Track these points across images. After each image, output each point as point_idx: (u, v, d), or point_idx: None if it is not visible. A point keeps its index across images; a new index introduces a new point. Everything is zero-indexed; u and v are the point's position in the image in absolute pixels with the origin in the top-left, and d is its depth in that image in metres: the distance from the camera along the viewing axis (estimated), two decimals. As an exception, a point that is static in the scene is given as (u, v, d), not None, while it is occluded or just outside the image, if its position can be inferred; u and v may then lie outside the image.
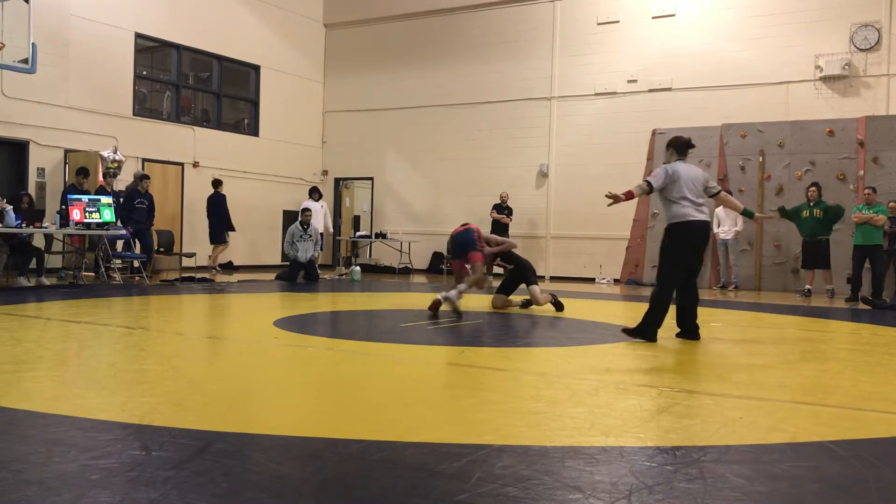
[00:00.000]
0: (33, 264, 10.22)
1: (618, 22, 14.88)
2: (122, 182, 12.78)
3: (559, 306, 8.30)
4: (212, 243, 14.04)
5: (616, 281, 14.59)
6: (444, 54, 16.69)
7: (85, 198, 10.56)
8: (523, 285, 8.62)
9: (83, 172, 11.23)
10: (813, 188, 11.35)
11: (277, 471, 2.50)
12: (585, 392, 3.91)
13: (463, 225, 8.36)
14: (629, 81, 14.72)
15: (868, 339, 6.76)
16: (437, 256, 16.60)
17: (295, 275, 12.69)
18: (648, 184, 6.04)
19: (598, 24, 15.05)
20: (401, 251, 16.69)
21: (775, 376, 4.61)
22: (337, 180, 18.23)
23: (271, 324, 6.60)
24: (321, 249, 14.58)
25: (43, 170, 12.75)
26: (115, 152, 12.62)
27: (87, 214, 10.37)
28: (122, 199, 11.81)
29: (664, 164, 6.17)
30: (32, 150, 12.57)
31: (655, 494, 2.34)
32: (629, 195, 6.13)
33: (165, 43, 14.87)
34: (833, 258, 11.81)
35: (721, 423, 3.32)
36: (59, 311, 7.20)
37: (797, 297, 11.45)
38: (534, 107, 15.68)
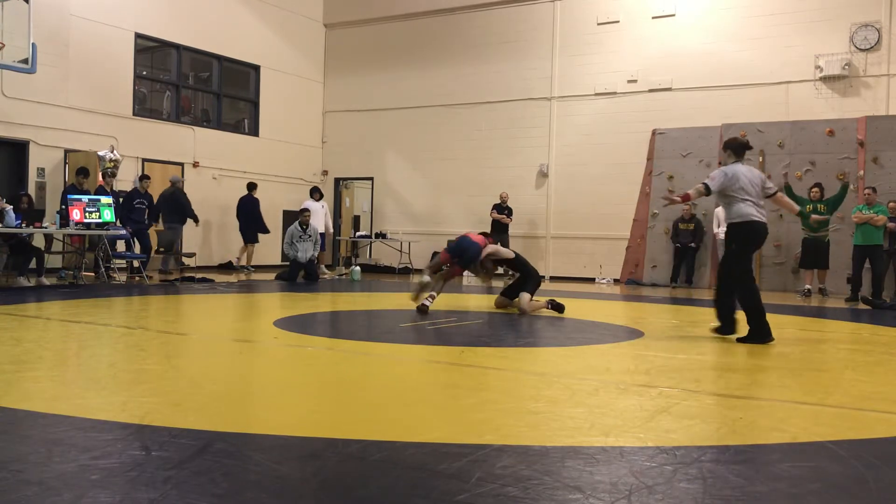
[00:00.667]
0: (33, 264, 10.21)
1: (618, 22, 14.88)
2: (123, 182, 12.76)
3: (560, 308, 8.20)
4: (245, 243, 14.77)
5: (616, 281, 14.59)
6: (444, 54, 16.69)
7: (85, 198, 10.56)
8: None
9: (83, 172, 11.24)
10: (815, 189, 11.34)
11: (277, 471, 2.50)
12: (585, 392, 3.91)
13: (481, 233, 8.64)
14: (629, 81, 14.72)
15: (868, 339, 6.76)
16: (436, 256, 16.57)
17: (295, 275, 12.70)
18: (706, 186, 6.01)
19: (598, 24, 15.05)
20: (401, 251, 16.69)
21: (775, 376, 4.61)
22: (337, 180, 18.23)
23: (271, 324, 6.60)
24: (322, 249, 14.59)
25: (43, 170, 12.75)
26: (111, 151, 12.62)
27: (87, 214, 10.37)
28: (121, 199, 11.82)
29: (721, 165, 6.24)
30: (32, 150, 12.57)
31: (655, 494, 2.34)
32: (686, 197, 6.21)
33: (165, 43, 14.87)
34: (833, 258, 11.82)
35: (721, 423, 3.32)
36: (59, 311, 7.20)
37: (797, 297, 11.45)
38: (534, 107, 15.68)
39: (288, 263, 13.24)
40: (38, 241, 10.95)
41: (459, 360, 4.97)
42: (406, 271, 16.23)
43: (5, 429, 2.99)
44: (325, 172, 18.20)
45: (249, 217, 14.59)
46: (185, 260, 13.63)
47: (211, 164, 15.44)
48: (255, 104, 16.71)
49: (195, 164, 15.18)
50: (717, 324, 6.24)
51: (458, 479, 2.43)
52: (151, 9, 14.42)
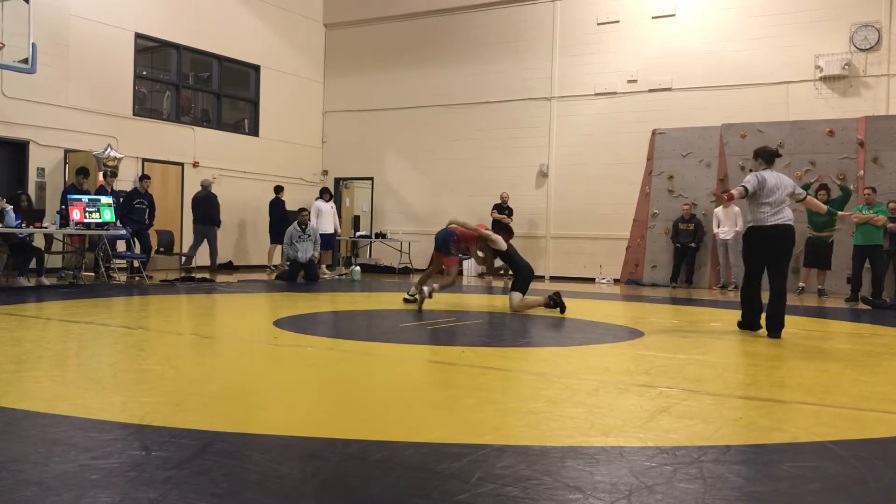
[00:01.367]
0: (33, 264, 10.21)
1: (618, 22, 14.88)
2: (123, 182, 12.74)
3: (561, 306, 8.19)
4: (272, 243, 15.24)
5: (616, 281, 14.59)
6: (444, 54, 16.69)
7: (85, 198, 10.56)
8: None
9: (83, 172, 11.24)
10: (822, 192, 11.33)
11: (277, 471, 2.50)
12: (585, 392, 3.91)
13: (449, 224, 8.84)
14: (629, 81, 14.72)
15: (868, 339, 6.76)
16: (437, 256, 16.59)
17: (295, 275, 12.69)
18: (745, 188, 6.42)
19: (598, 24, 15.05)
20: (401, 251, 16.69)
21: (775, 376, 4.61)
22: (337, 180, 18.22)
23: (271, 324, 6.60)
24: (329, 249, 14.62)
25: (43, 170, 12.75)
26: (111, 150, 12.60)
27: (87, 214, 10.37)
28: (121, 199, 11.81)
29: (752, 171, 6.61)
30: (32, 150, 12.57)
31: (655, 494, 2.34)
32: (731, 197, 6.62)
33: (165, 43, 14.87)
34: (833, 258, 11.82)
35: (721, 423, 3.32)
36: (59, 311, 7.20)
37: (795, 297, 11.46)
38: (534, 107, 15.69)
39: (288, 263, 13.24)
40: (38, 241, 10.95)
41: (459, 360, 4.97)
42: (406, 271, 16.23)
43: (5, 429, 2.99)
44: (325, 172, 18.19)
45: (276, 218, 15.12)
46: (186, 260, 13.64)
47: (211, 164, 15.44)
48: (255, 104, 16.71)
49: (195, 164, 15.18)
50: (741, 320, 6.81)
51: (458, 479, 2.43)
52: (151, 9, 14.41)
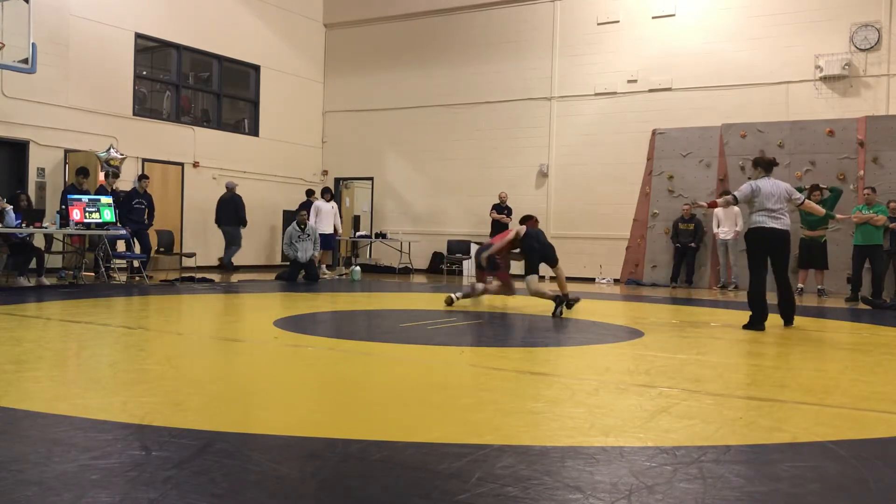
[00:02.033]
0: (33, 264, 10.21)
1: (618, 22, 14.88)
2: (123, 182, 12.73)
3: (569, 304, 8.29)
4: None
5: (616, 281, 14.59)
6: (444, 54, 16.69)
7: (85, 198, 10.56)
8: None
9: (83, 172, 11.23)
10: (817, 192, 11.32)
11: (277, 471, 2.50)
12: (585, 392, 3.91)
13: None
14: (629, 81, 14.72)
15: (868, 339, 6.76)
16: (436, 256, 16.60)
17: (295, 275, 12.70)
18: (734, 196, 6.97)
19: (598, 24, 15.05)
20: (401, 251, 16.69)
21: (775, 376, 4.61)
22: (337, 180, 18.22)
23: (271, 324, 6.60)
24: (330, 248, 14.61)
25: (43, 170, 12.75)
26: (113, 149, 12.59)
27: (87, 214, 10.37)
28: (121, 199, 11.79)
29: (749, 179, 7.10)
30: (32, 150, 12.57)
31: (655, 494, 2.34)
32: (713, 205, 7.22)
33: (165, 43, 14.87)
34: (832, 258, 11.82)
35: (721, 423, 3.32)
36: (59, 311, 7.20)
37: (795, 297, 11.44)
38: (534, 107, 15.69)
39: (287, 263, 13.24)
40: (38, 241, 10.95)
41: (459, 360, 4.97)
42: (406, 271, 16.23)
43: (5, 429, 2.99)
44: (325, 172, 18.19)
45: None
46: (185, 260, 13.65)
47: (211, 164, 15.44)
48: (255, 104, 16.71)
49: (195, 165, 15.18)
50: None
51: (458, 479, 2.43)
52: (151, 9, 14.41)
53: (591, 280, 14.79)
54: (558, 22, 15.48)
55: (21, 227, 9.79)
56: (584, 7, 15.19)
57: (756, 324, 6.98)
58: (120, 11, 13.82)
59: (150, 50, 14.96)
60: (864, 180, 12.31)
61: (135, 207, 11.95)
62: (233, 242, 14.44)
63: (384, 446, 2.81)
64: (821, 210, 7.94)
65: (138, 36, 14.22)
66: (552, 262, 8.75)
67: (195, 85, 16.04)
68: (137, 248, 12.04)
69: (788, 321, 7.15)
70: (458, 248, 16.24)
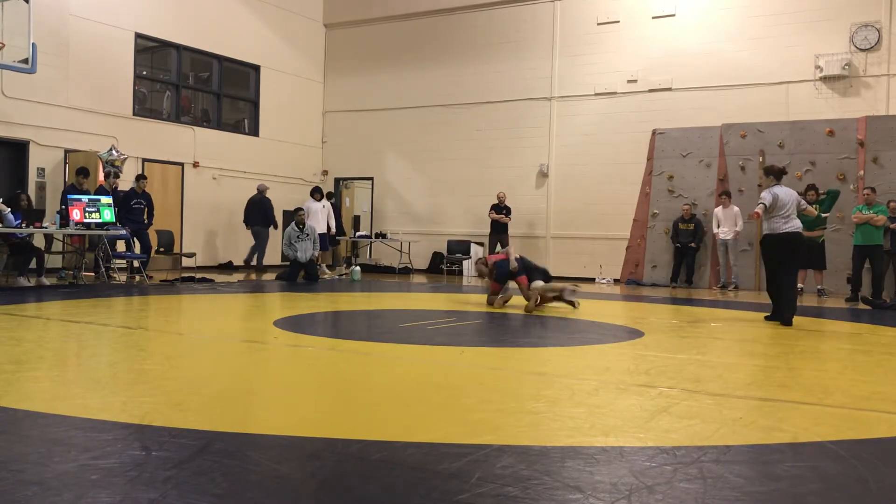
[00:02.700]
0: (33, 264, 10.21)
1: (618, 22, 14.88)
2: (125, 183, 12.73)
3: (572, 303, 8.55)
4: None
5: (616, 281, 14.59)
6: (444, 54, 16.69)
7: (85, 198, 10.56)
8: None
9: (83, 172, 11.23)
10: (811, 192, 11.33)
11: (277, 471, 2.50)
12: (585, 392, 3.91)
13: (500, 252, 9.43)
14: (629, 81, 14.72)
15: (868, 339, 6.76)
16: (436, 256, 16.60)
17: (295, 275, 12.69)
18: (764, 205, 7.52)
19: (598, 24, 15.05)
20: (401, 251, 16.69)
21: (775, 376, 4.61)
22: (337, 180, 18.22)
23: (271, 324, 6.60)
24: (325, 249, 14.59)
25: (43, 170, 12.75)
26: (114, 150, 12.59)
27: (87, 214, 10.37)
28: (119, 199, 11.78)
29: (766, 188, 7.67)
30: (32, 150, 12.57)
31: (655, 494, 2.34)
32: (758, 215, 7.61)
33: (165, 43, 14.87)
34: (832, 258, 11.82)
35: (721, 423, 3.32)
36: (59, 311, 7.20)
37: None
38: (534, 107, 15.68)
39: (287, 263, 13.24)
40: (38, 241, 10.94)
41: (459, 360, 4.97)
42: (406, 271, 16.23)
43: (5, 429, 2.99)
44: (325, 172, 18.19)
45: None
46: (186, 260, 13.64)
47: (211, 164, 15.45)
48: (255, 104, 16.71)
49: (195, 165, 15.18)
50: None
51: (458, 479, 2.43)
52: (151, 9, 14.41)
53: (591, 280, 14.78)
54: (558, 22, 15.48)
55: (21, 227, 9.79)
56: (584, 7, 15.19)
57: (780, 315, 7.49)
58: (120, 11, 13.82)
59: (150, 50, 14.96)
60: (864, 180, 12.31)
61: (133, 207, 11.94)
62: (259, 243, 14.61)
63: (384, 446, 2.81)
64: (813, 211, 8.36)
65: (138, 36, 14.22)
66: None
67: (195, 85, 16.03)
68: (137, 248, 12.04)
69: (788, 321, 7.38)
70: (458, 248, 16.24)
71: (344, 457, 2.68)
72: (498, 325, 7.21)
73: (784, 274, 7.52)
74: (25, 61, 10.70)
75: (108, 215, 10.63)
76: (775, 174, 7.70)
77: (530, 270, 8.81)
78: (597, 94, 15.05)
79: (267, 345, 5.46)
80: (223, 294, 9.84)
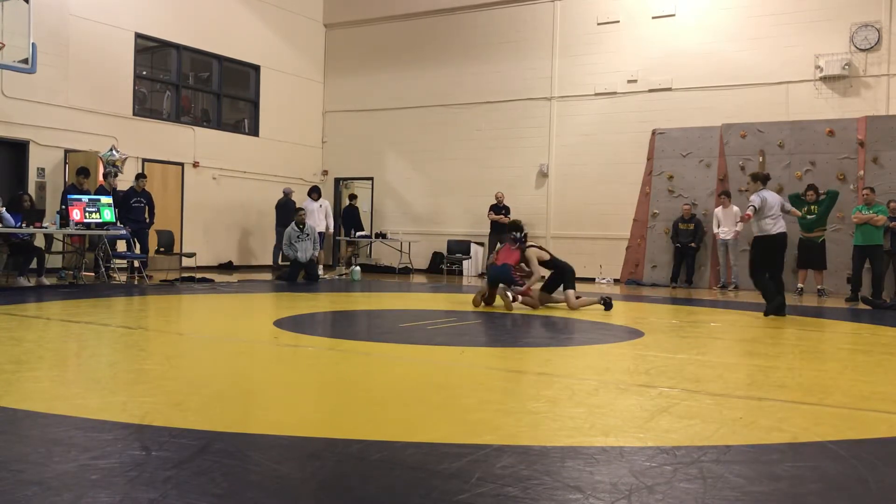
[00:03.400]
0: (33, 264, 10.21)
1: (618, 22, 14.87)
2: (125, 182, 12.73)
3: (608, 305, 8.60)
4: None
5: (616, 281, 14.59)
6: (444, 54, 16.69)
7: (85, 198, 10.56)
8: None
9: (83, 172, 11.23)
10: (810, 192, 11.34)
11: (277, 471, 2.50)
12: (585, 392, 3.91)
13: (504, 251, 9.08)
14: (629, 81, 14.72)
15: (868, 339, 6.76)
16: (436, 256, 16.60)
17: (295, 275, 12.69)
18: (754, 207, 8.07)
19: (598, 24, 15.05)
20: (401, 251, 16.69)
21: (775, 376, 4.61)
22: (337, 180, 18.22)
23: (271, 324, 6.60)
24: (321, 248, 14.57)
25: (43, 170, 12.75)
26: (114, 150, 12.59)
27: (87, 214, 10.37)
28: (119, 198, 11.77)
29: (753, 192, 8.27)
30: (32, 150, 12.57)
31: (655, 494, 2.34)
32: (749, 217, 8.14)
33: (165, 43, 14.87)
34: (832, 258, 11.82)
35: (721, 423, 3.32)
36: (59, 311, 7.20)
37: (794, 297, 11.46)
38: (534, 107, 15.68)
39: (287, 263, 13.23)
40: (39, 241, 10.94)
41: (459, 360, 4.97)
42: (406, 271, 16.23)
43: (5, 429, 2.99)
44: (325, 172, 18.19)
45: (350, 223, 16.59)
46: (186, 260, 13.64)
47: (211, 164, 15.44)
48: (255, 104, 16.71)
49: (195, 165, 15.18)
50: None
51: (458, 479, 2.43)
52: (151, 9, 14.41)
53: (591, 280, 14.78)
54: (558, 22, 15.47)
55: (21, 227, 9.79)
56: (584, 7, 15.19)
57: (775, 308, 8.11)
58: (120, 11, 13.82)
59: (150, 50, 14.96)
60: (863, 180, 12.31)
61: (133, 206, 11.93)
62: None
63: (384, 446, 2.81)
64: (797, 212, 9.08)
65: (138, 36, 14.22)
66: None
67: (195, 85, 16.03)
68: (138, 249, 12.03)
69: (784, 308, 8.17)
70: (458, 248, 16.24)
71: (344, 457, 2.68)
72: (498, 325, 7.21)
73: (777, 270, 8.32)
74: (25, 61, 10.70)
75: (109, 215, 10.63)
76: (762, 179, 8.37)
77: (563, 272, 8.81)
78: (597, 94, 15.04)
79: (267, 345, 5.46)
80: (223, 294, 9.84)
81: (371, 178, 17.71)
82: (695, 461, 2.71)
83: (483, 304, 8.76)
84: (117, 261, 11.80)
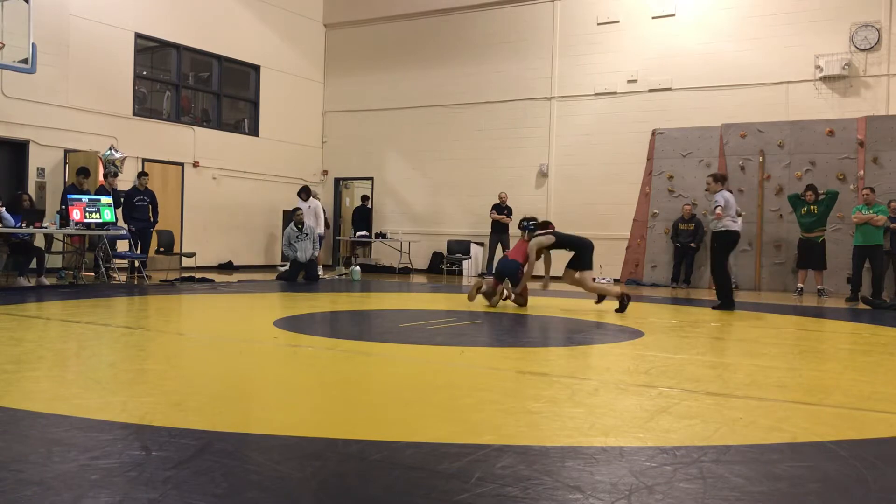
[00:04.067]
0: (33, 264, 10.21)
1: (618, 22, 14.88)
2: (124, 182, 12.72)
3: (623, 306, 8.42)
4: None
5: (616, 281, 14.58)
6: (444, 54, 16.69)
7: (85, 198, 10.56)
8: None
9: (83, 172, 11.23)
10: (810, 192, 11.34)
11: (277, 471, 2.50)
12: (585, 392, 3.91)
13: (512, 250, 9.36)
14: (629, 81, 14.72)
15: (868, 339, 6.76)
16: (436, 256, 16.60)
17: (295, 275, 12.69)
18: (721, 206, 8.71)
19: (598, 24, 15.05)
20: (401, 251, 16.69)
21: (775, 376, 4.61)
22: (337, 180, 18.23)
23: (271, 324, 6.60)
24: (320, 248, 14.56)
25: (43, 170, 12.75)
26: (114, 150, 12.58)
27: (87, 214, 10.37)
28: (121, 199, 11.78)
29: (718, 192, 8.92)
30: (32, 150, 12.57)
31: (655, 494, 2.34)
32: (720, 216, 8.74)
33: (165, 43, 14.87)
34: (832, 258, 11.82)
35: (721, 423, 3.32)
36: (59, 311, 7.20)
37: (794, 297, 11.47)
38: (534, 107, 15.68)
39: (287, 263, 13.23)
40: (39, 241, 10.94)
41: (459, 360, 4.97)
42: (406, 271, 16.23)
43: (5, 429, 2.99)
44: (325, 172, 18.20)
45: (361, 224, 17.05)
46: (186, 260, 13.64)
47: (211, 164, 15.45)
48: (255, 104, 16.71)
49: (195, 164, 15.18)
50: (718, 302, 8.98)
51: (458, 479, 2.43)
52: (151, 9, 14.41)
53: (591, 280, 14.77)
54: (558, 22, 15.47)
55: (21, 227, 9.79)
56: (584, 7, 15.19)
57: (730, 305, 8.83)
58: (120, 11, 13.82)
59: (150, 50, 14.96)
60: (863, 180, 12.31)
61: (137, 205, 11.93)
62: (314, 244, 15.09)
63: (384, 446, 2.81)
64: (741, 211, 9.82)
65: (138, 36, 14.22)
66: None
67: (195, 85, 16.03)
68: (139, 248, 12.02)
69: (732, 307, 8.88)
70: (458, 248, 16.24)
71: (344, 457, 2.68)
72: (498, 325, 7.21)
73: (724, 264, 9.10)
74: (25, 61, 10.70)
75: (109, 215, 10.62)
76: (721, 180, 9.10)
77: (583, 249, 9.04)
78: (597, 94, 15.05)
79: (267, 345, 5.46)
80: (223, 294, 9.84)
81: (371, 178, 17.72)
82: (695, 461, 2.71)
83: (482, 296, 8.84)
84: (117, 261, 11.80)
